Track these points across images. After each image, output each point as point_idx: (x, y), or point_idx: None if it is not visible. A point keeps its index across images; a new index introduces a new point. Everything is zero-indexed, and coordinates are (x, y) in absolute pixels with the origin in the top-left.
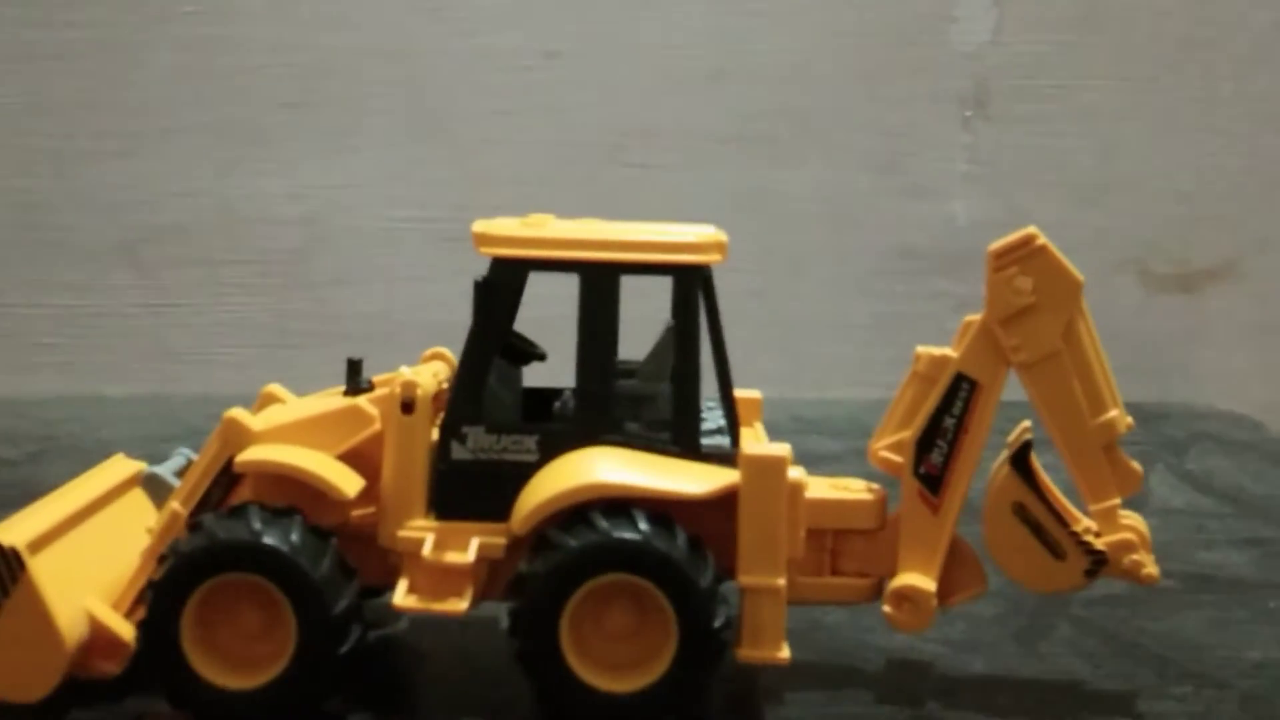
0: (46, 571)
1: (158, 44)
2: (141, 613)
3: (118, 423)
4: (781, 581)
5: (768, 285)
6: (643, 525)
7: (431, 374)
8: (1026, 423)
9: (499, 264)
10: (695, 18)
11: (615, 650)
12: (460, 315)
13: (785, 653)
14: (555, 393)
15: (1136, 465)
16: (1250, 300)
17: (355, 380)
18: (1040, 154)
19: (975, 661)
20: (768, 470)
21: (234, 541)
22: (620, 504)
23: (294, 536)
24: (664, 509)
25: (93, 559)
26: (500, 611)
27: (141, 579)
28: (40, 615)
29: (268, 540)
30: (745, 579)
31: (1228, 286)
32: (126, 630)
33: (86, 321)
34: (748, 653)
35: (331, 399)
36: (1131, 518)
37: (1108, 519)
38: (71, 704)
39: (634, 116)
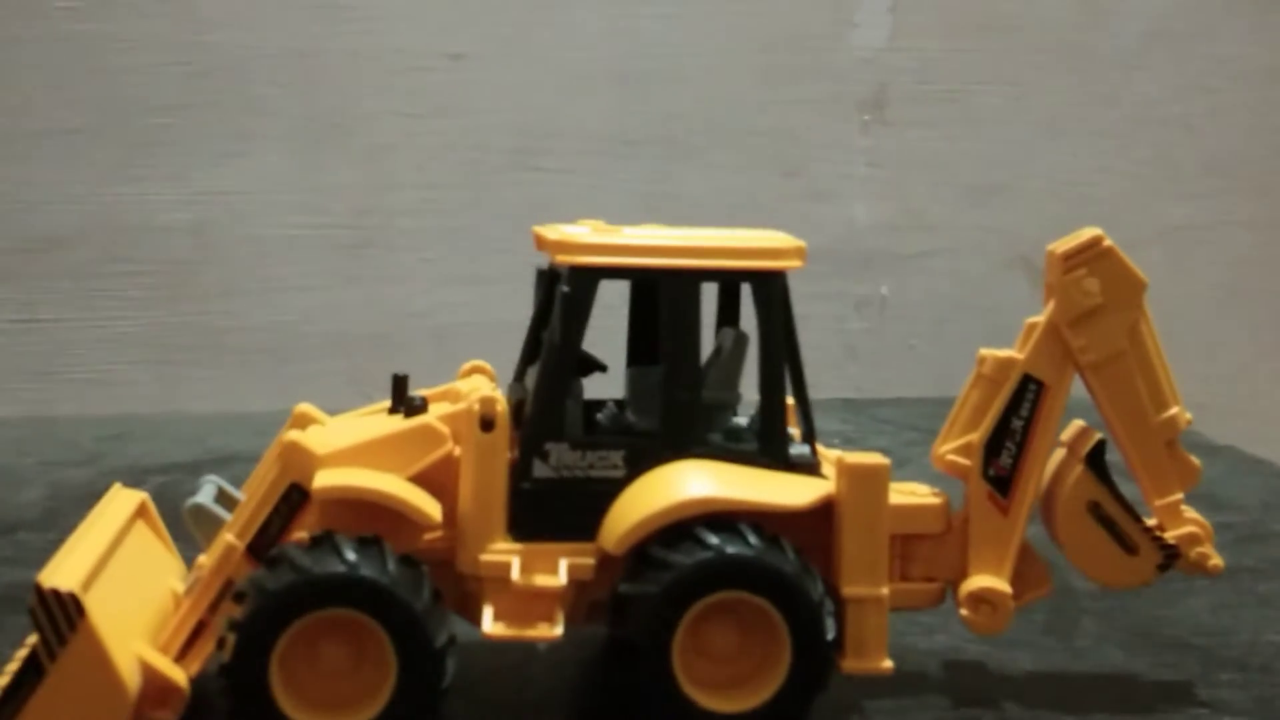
0: (102, 616)
1: (32, 40)
2: (196, 655)
3: (5, 448)
4: (885, 591)
5: None
6: (753, 540)
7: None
8: (1079, 422)
9: (578, 272)
10: (600, 21)
11: (717, 671)
12: (363, 325)
13: (888, 663)
14: (598, 404)
15: (1195, 460)
16: None
17: (406, 398)
18: (934, 156)
19: (1022, 658)
20: (869, 479)
21: (329, 575)
22: (724, 519)
23: (390, 567)
24: (763, 521)
25: (127, 600)
26: None
27: (192, 619)
28: (101, 664)
29: (366, 572)
30: (849, 589)
31: None
32: (180, 676)
33: None
34: (852, 664)
35: (391, 419)
36: (1191, 512)
37: (1172, 513)
38: None
39: (539, 119)
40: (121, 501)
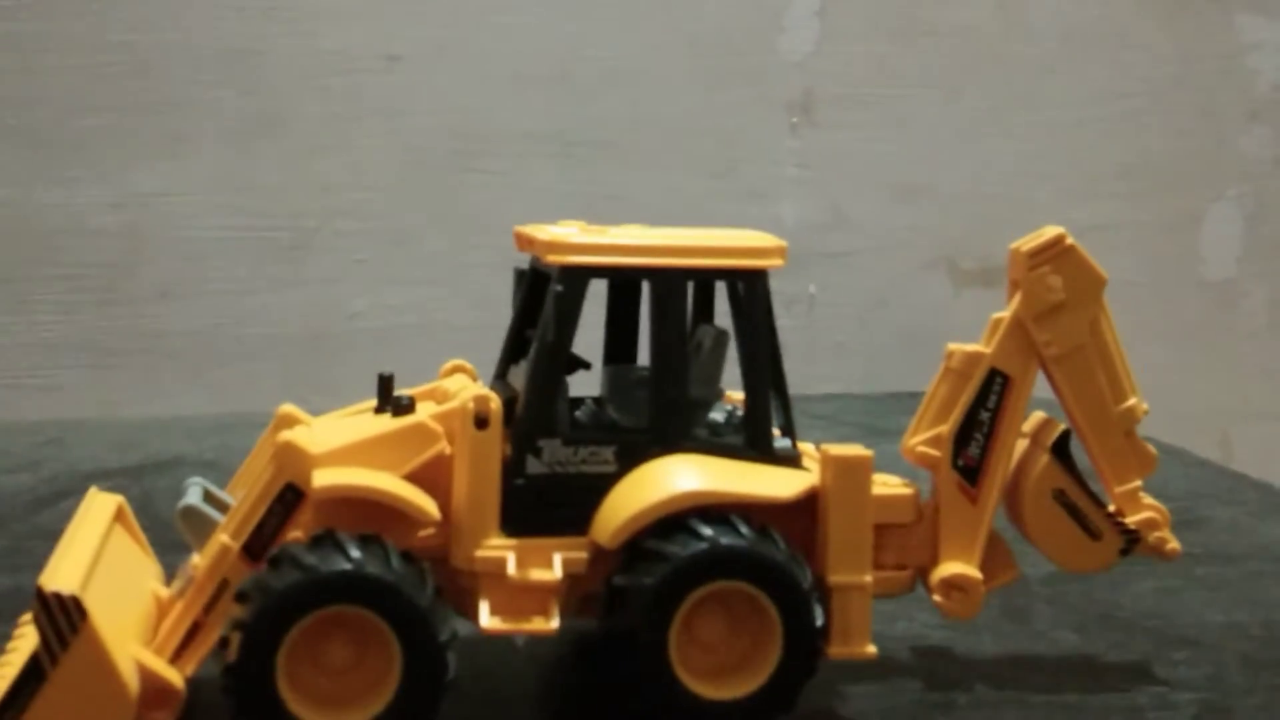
0: (102, 618)
1: None
2: (191, 657)
3: None
4: (869, 579)
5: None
6: (745, 531)
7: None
8: (1041, 413)
9: (568, 272)
10: (535, 24)
11: (711, 659)
12: (298, 328)
13: (872, 648)
14: (575, 402)
15: (1152, 449)
16: None
17: (393, 398)
18: (860, 158)
19: (986, 642)
20: (853, 470)
21: (334, 573)
22: (715, 511)
23: (394, 563)
24: (751, 513)
25: (117, 603)
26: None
27: (186, 620)
28: (103, 668)
29: (371, 569)
30: (834, 578)
31: None
32: (176, 677)
33: None
34: (839, 649)
35: (380, 418)
36: (1149, 498)
37: (1131, 500)
38: None
39: (475, 120)
40: (101, 505)
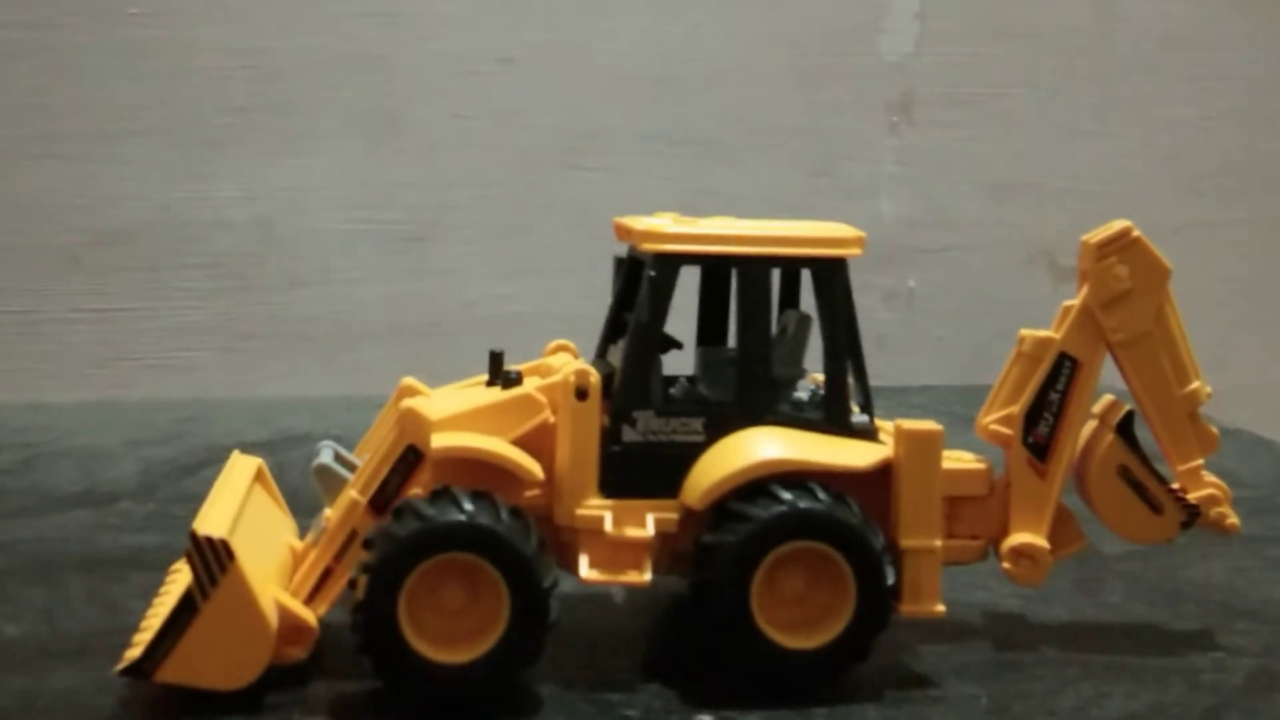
0: (247, 560)
1: (103, 46)
2: (324, 599)
3: (92, 429)
4: (938, 543)
5: None
6: (822, 496)
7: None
8: (1110, 396)
9: (662, 259)
10: (640, 27)
11: (790, 612)
12: (416, 315)
13: (941, 607)
14: (670, 380)
15: (1214, 429)
16: None
17: (504, 372)
18: (959, 156)
19: (1057, 610)
20: (925, 443)
21: (451, 523)
22: (795, 478)
23: (504, 516)
24: (830, 481)
25: (258, 549)
26: None
27: (319, 566)
28: (248, 604)
29: (482, 520)
30: (906, 542)
31: None
32: (310, 616)
33: (29, 328)
34: (909, 608)
35: (491, 390)
36: (1211, 476)
37: (1193, 477)
38: (264, 689)
39: (584, 120)
40: (243, 465)
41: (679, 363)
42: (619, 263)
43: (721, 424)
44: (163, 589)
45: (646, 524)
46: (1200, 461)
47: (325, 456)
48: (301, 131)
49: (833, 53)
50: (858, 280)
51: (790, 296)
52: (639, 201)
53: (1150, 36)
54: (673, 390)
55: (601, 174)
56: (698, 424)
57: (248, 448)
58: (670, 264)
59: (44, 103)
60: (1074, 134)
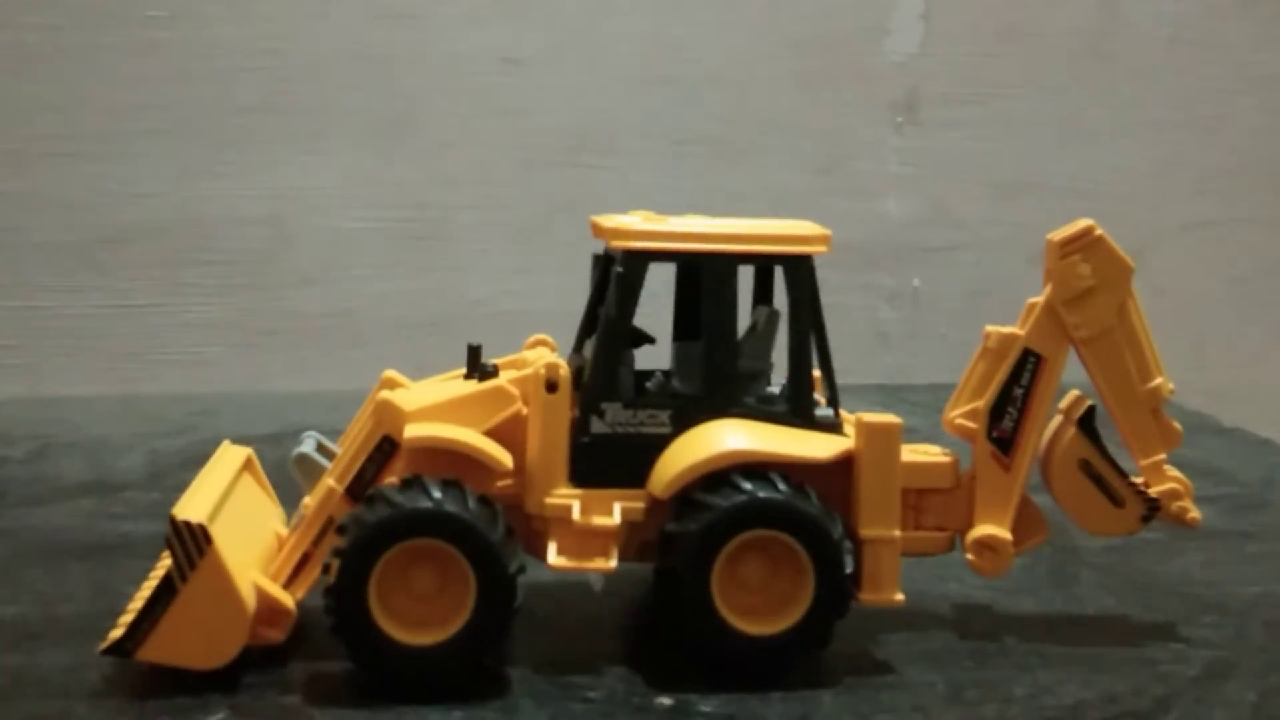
0: (225, 545)
1: (120, 47)
2: (302, 583)
3: (105, 421)
4: (897, 533)
5: None
6: (782, 487)
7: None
8: (1075, 392)
9: (630, 256)
10: (646, 28)
11: (751, 599)
12: (425, 312)
13: (900, 595)
14: (646, 374)
15: (1177, 425)
16: (1148, 289)
17: (480, 365)
18: (964, 156)
19: (1026, 602)
20: (884, 435)
21: (419, 510)
22: (757, 469)
23: (471, 504)
24: (791, 472)
25: (241, 535)
26: None
27: (298, 551)
28: (225, 587)
29: (450, 508)
30: (865, 531)
31: None
32: (288, 599)
33: (47, 323)
34: (868, 596)
35: (467, 383)
36: (1173, 470)
37: (1155, 472)
38: (242, 669)
39: (591, 120)
40: (232, 455)
41: (658, 358)
42: (596, 259)
43: (688, 416)
44: (152, 573)
45: (613, 513)
46: (1163, 456)
47: (306, 446)
48: (314, 131)
49: (838, 53)
50: (862, 280)
51: (764, 293)
52: (645, 201)
53: (1155, 37)
54: (648, 384)
55: (609, 173)
56: (664, 416)
57: (256, 440)
58: (638, 261)
59: (63, 103)
60: (1079, 134)
